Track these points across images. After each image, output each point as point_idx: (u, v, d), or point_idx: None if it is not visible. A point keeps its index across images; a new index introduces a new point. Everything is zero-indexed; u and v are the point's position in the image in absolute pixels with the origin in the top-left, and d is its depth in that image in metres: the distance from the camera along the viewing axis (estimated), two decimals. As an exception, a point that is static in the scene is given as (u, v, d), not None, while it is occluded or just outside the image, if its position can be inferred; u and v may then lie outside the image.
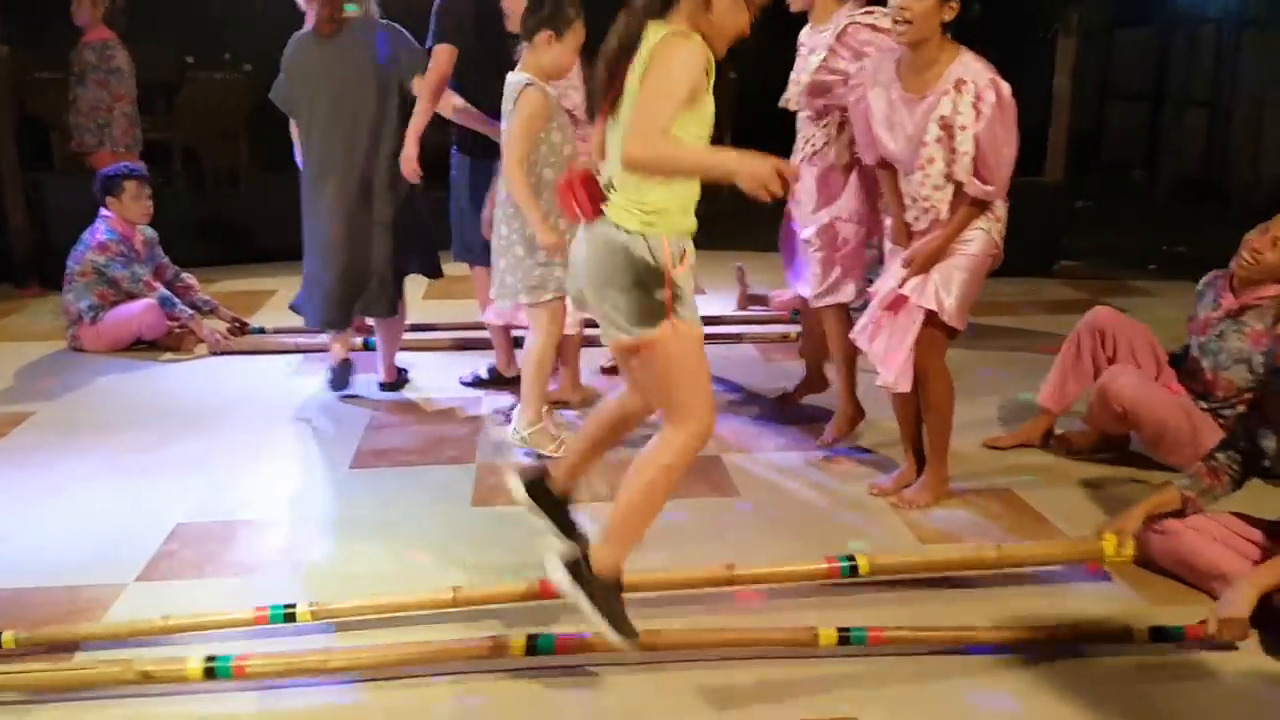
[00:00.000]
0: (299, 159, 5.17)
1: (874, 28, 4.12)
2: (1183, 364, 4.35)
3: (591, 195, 2.83)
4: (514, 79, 4.14)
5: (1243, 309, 4.11)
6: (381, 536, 3.82)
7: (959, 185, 3.79)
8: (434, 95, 4.83)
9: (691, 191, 2.84)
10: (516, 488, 3.11)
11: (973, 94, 3.69)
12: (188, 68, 9.95)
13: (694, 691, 2.90)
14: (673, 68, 2.67)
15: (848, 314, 4.46)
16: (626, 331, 2.82)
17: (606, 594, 2.83)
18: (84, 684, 2.87)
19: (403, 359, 5.55)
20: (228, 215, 8.56)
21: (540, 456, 4.34)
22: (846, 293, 4.42)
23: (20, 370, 5.76)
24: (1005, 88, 3.72)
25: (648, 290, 2.77)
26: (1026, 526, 3.88)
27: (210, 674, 2.84)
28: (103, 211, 6.04)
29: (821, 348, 4.80)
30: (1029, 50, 8.84)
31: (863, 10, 4.21)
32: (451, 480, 4.29)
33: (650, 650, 2.96)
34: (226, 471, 4.40)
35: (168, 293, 6.04)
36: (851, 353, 4.44)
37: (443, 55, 4.81)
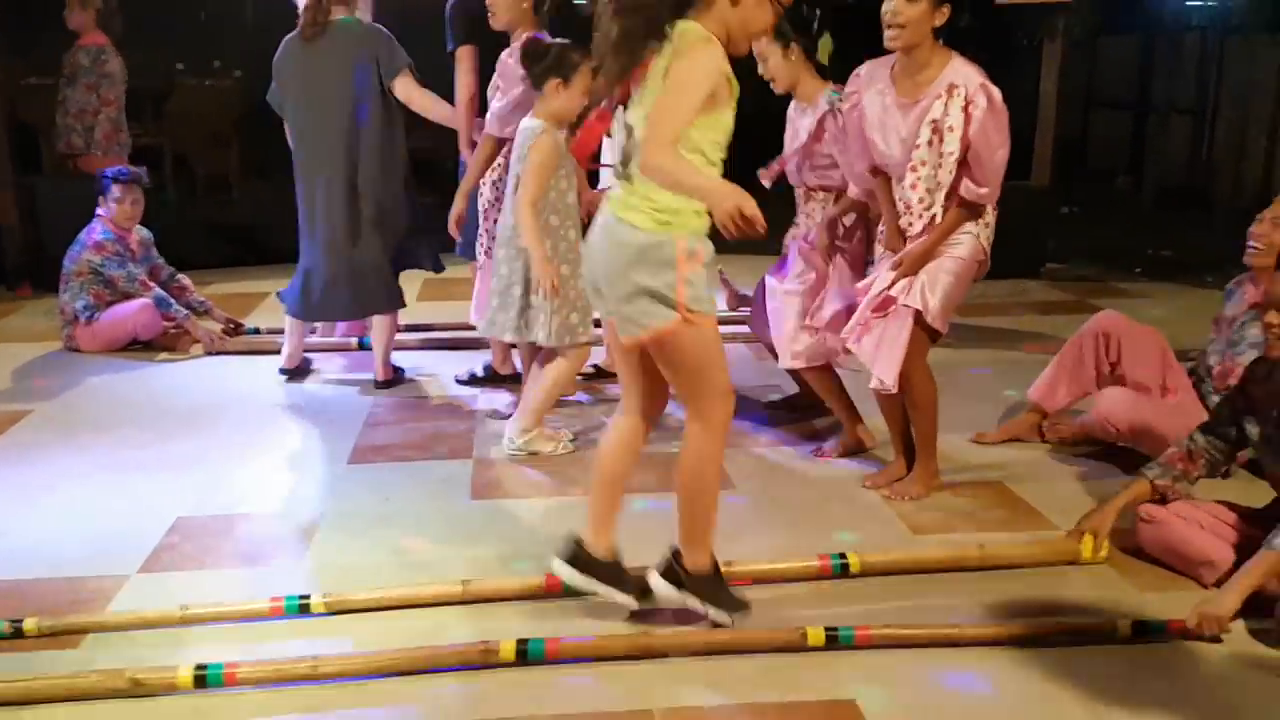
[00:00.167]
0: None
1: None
2: (1205, 368, 4.36)
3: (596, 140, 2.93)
4: (528, 124, 4.25)
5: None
6: (381, 529, 3.86)
7: (950, 189, 3.85)
8: (468, 98, 4.97)
9: None
10: (560, 568, 3.16)
11: (963, 98, 3.76)
12: (178, 74, 10.00)
13: (694, 678, 2.94)
14: (694, 72, 2.74)
15: (829, 369, 4.52)
16: (642, 326, 2.89)
17: (709, 586, 3.09)
18: (76, 692, 2.85)
19: (399, 358, 5.60)
20: (219, 219, 8.58)
21: (535, 454, 4.42)
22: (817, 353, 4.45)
23: (16, 370, 5.77)
24: (996, 92, 3.79)
25: (658, 285, 2.84)
26: (1017, 518, 3.93)
27: (201, 682, 2.84)
28: (98, 211, 6.07)
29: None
30: (1016, 57, 8.93)
31: (842, 94, 4.26)
32: (449, 475, 4.33)
33: (641, 652, 3.01)
34: (224, 467, 4.44)
35: (163, 293, 6.06)
36: (846, 400, 4.50)
37: (468, 57, 4.95)
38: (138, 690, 2.84)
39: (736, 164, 3.00)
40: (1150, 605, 3.26)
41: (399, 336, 5.71)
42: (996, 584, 3.43)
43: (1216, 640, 3.05)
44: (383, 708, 2.84)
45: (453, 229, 5.05)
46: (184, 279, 6.41)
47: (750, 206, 2.68)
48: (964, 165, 3.81)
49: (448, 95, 5.14)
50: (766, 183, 4.58)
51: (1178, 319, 6.20)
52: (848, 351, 4.17)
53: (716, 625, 3.10)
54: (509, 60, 4.67)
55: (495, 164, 4.89)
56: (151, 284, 6.06)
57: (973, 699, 2.86)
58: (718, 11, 2.83)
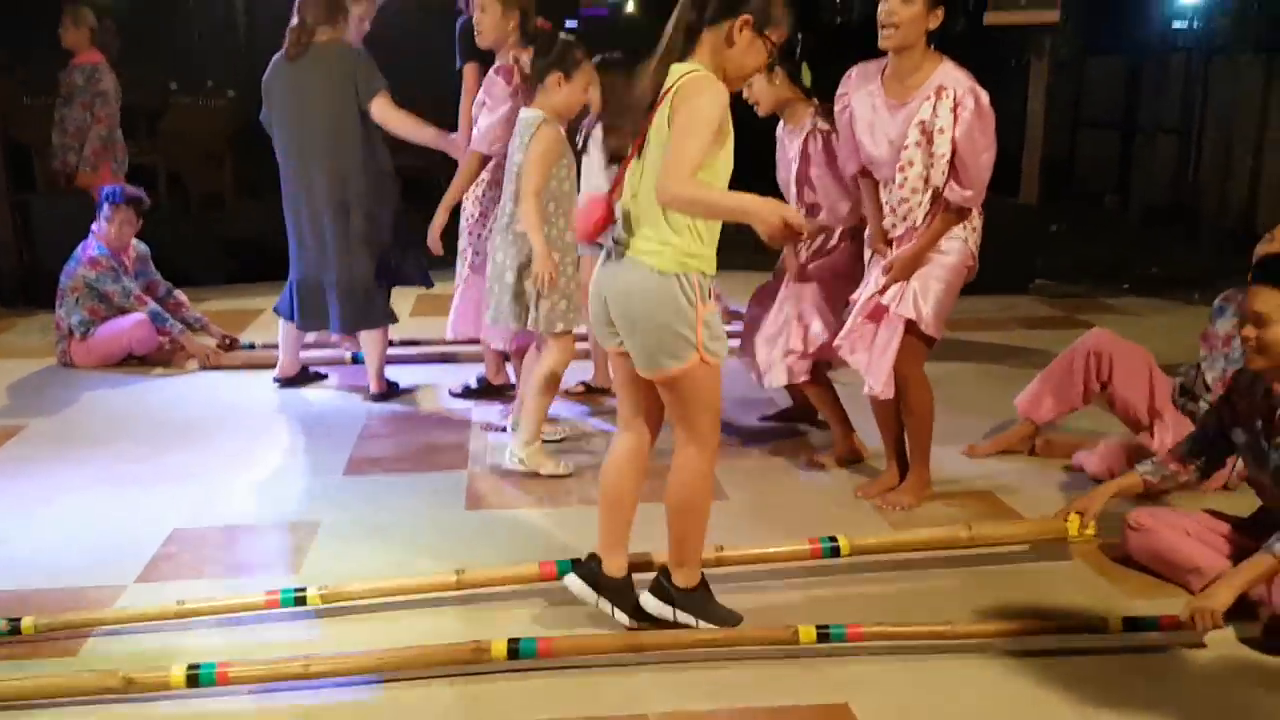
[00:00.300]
0: None
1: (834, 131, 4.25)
2: (1193, 388, 4.39)
3: (598, 222, 3.03)
4: (528, 115, 4.29)
5: None
6: (377, 537, 3.89)
7: (937, 192, 3.90)
8: (466, 115, 5.03)
9: (714, 232, 2.97)
10: (571, 580, 3.22)
11: (952, 100, 3.80)
12: (172, 94, 10.07)
13: (689, 684, 2.97)
14: (701, 108, 2.80)
15: (827, 382, 4.58)
16: (661, 365, 2.96)
17: (699, 601, 3.15)
18: (69, 691, 2.87)
19: (394, 372, 5.65)
20: (213, 237, 8.62)
21: (538, 475, 4.42)
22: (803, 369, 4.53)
23: (10, 386, 5.79)
24: (984, 95, 3.83)
25: (681, 327, 2.91)
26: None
27: (193, 681, 2.86)
28: (93, 228, 6.11)
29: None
30: (1004, 76, 9.03)
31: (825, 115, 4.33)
32: (444, 485, 4.37)
33: (633, 651, 3.05)
34: (221, 479, 4.46)
35: (158, 308, 6.09)
36: (841, 411, 4.56)
37: (470, 74, 5.06)
38: (131, 690, 2.86)
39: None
40: (1138, 610, 3.29)
41: (394, 351, 5.75)
42: (985, 590, 3.47)
43: (1216, 628, 3.06)
44: (375, 708, 2.87)
45: (433, 243, 5.06)
46: (180, 294, 6.45)
47: (794, 215, 2.79)
48: (950, 168, 3.86)
49: (450, 115, 5.21)
50: None
51: (1165, 334, 6.26)
52: (842, 363, 4.23)
53: None
54: (496, 78, 4.73)
55: (480, 179, 4.94)
56: (147, 299, 6.09)
57: (964, 702, 2.90)
58: (712, 53, 2.91)
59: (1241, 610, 3.13)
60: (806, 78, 4.37)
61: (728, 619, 3.16)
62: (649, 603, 3.15)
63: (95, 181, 7.19)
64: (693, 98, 2.81)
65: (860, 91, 4.01)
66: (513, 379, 5.17)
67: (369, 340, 5.43)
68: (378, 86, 5.09)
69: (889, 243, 4.04)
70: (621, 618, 3.18)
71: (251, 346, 6.41)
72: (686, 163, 2.77)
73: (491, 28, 4.73)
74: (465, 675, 2.97)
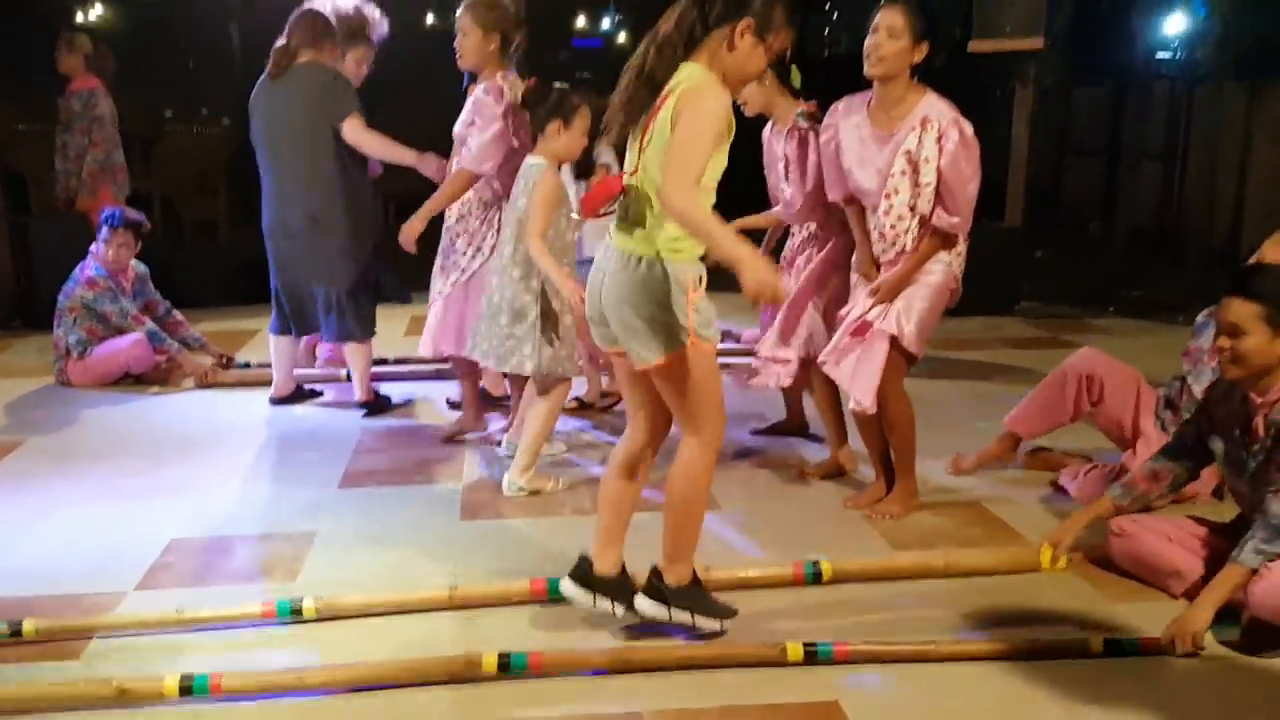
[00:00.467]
0: None
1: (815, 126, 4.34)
2: (1177, 401, 4.43)
3: (609, 195, 3.07)
4: (532, 161, 4.37)
5: None
6: (373, 548, 3.94)
7: (923, 218, 3.99)
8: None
9: None
10: (565, 585, 3.26)
11: (936, 131, 3.91)
12: (167, 121, 10.17)
13: (681, 681, 3.02)
14: (705, 116, 2.84)
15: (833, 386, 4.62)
16: (653, 353, 2.99)
17: (692, 597, 3.18)
18: (64, 700, 2.90)
19: (389, 389, 5.73)
20: (207, 261, 8.70)
21: (536, 493, 4.45)
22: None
23: (8, 404, 5.84)
24: (968, 126, 3.94)
25: (672, 314, 2.95)
26: (995, 536, 4.04)
27: (186, 691, 2.89)
28: (92, 249, 6.18)
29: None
30: (989, 102, 9.16)
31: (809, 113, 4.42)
32: (440, 497, 4.42)
33: (622, 665, 3.09)
34: (218, 492, 4.52)
35: (155, 327, 6.16)
36: (840, 421, 4.61)
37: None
38: (125, 699, 2.88)
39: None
40: (1120, 615, 3.38)
41: (388, 369, 5.82)
42: (971, 598, 3.53)
43: (1193, 656, 3.14)
44: (372, 708, 2.91)
45: (406, 243, 4.98)
46: (179, 314, 6.52)
47: (779, 288, 2.82)
48: (937, 196, 3.96)
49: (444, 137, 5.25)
50: None
51: (1149, 355, 6.31)
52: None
53: (707, 634, 3.19)
54: (485, 98, 4.73)
55: (465, 199, 4.89)
56: (144, 319, 6.16)
57: (953, 701, 2.95)
58: (713, 56, 2.94)
59: (1223, 614, 3.20)
60: (796, 79, 4.46)
61: (723, 613, 3.21)
62: (643, 605, 3.18)
63: (94, 205, 7.29)
64: (698, 103, 2.83)
65: (847, 123, 4.10)
66: (508, 389, 5.23)
67: (353, 352, 5.53)
68: (348, 109, 5.20)
69: (878, 267, 4.13)
70: (621, 610, 3.22)
71: (247, 365, 6.48)
72: (690, 170, 2.81)
73: (472, 50, 4.77)
74: (456, 681, 3.01)
